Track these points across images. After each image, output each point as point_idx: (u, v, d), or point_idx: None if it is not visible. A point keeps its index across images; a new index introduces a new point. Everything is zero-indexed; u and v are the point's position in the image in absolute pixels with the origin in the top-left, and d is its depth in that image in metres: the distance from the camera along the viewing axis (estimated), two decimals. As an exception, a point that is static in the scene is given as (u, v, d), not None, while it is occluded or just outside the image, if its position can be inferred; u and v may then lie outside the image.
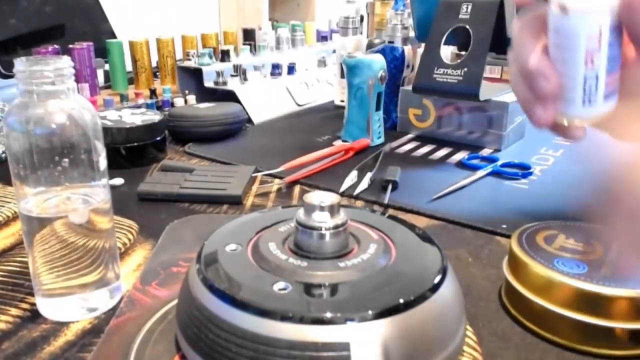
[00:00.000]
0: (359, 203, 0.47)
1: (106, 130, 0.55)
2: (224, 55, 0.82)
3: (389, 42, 0.69)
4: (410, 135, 0.67)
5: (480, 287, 0.34)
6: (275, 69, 0.84)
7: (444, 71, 0.60)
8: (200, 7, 1.60)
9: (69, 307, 0.30)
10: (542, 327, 0.29)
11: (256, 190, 0.50)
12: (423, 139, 0.65)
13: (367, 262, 0.26)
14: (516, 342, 0.29)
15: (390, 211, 0.45)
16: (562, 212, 0.40)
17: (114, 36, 0.93)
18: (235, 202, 0.47)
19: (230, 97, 0.74)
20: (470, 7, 0.61)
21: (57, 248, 0.29)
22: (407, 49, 0.69)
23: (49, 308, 0.31)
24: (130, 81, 0.81)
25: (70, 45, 0.71)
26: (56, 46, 0.68)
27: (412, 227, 0.30)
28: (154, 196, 0.47)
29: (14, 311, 0.31)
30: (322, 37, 1.08)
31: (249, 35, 0.98)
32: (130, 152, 0.56)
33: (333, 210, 0.27)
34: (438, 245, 0.28)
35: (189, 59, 0.82)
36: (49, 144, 0.28)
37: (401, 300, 0.23)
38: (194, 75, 0.79)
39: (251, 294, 0.23)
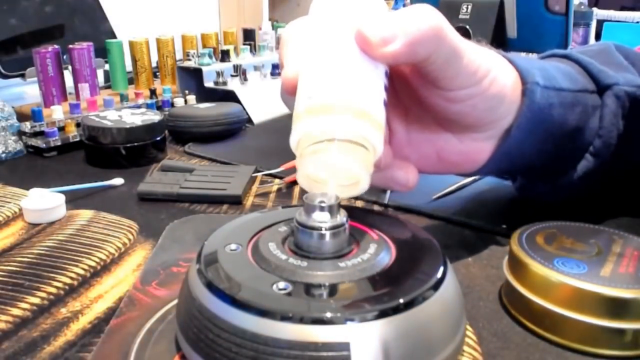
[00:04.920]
0: (359, 203, 0.47)
1: (106, 130, 0.55)
2: (224, 55, 0.82)
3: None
4: (410, 135, 0.67)
5: (480, 287, 0.34)
6: (275, 69, 0.84)
7: (444, 71, 0.60)
8: (200, 7, 1.60)
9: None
10: (542, 327, 0.29)
11: (256, 190, 0.50)
12: (423, 139, 0.65)
13: (367, 262, 0.26)
14: (516, 342, 0.29)
15: (390, 211, 0.45)
16: (562, 212, 0.39)
17: (114, 36, 0.93)
18: (235, 202, 0.47)
19: (230, 97, 0.74)
20: (470, 7, 0.61)
21: None
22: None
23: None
24: (130, 81, 0.81)
25: (70, 45, 0.71)
26: (56, 46, 0.67)
27: (412, 227, 0.30)
28: (154, 196, 0.47)
29: (14, 311, 0.31)
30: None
31: (249, 35, 0.98)
32: (130, 152, 0.56)
33: (333, 210, 0.27)
34: (438, 245, 0.28)
35: (189, 59, 0.81)
36: None
37: (401, 300, 0.23)
38: (194, 75, 0.79)
39: (251, 294, 0.23)
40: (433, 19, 0.28)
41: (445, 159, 0.36)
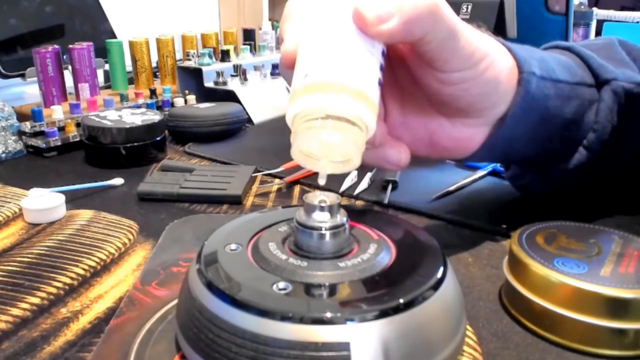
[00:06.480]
0: (359, 203, 0.47)
1: (106, 130, 0.55)
2: (224, 55, 0.82)
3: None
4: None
5: (480, 287, 0.34)
6: (275, 69, 0.84)
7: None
8: (200, 7, 1.60)
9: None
10: (542, 327, 0.29)
11: (256, 190, 0.50)
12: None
13: (367, 262, 0.26)
14: (516, 342, 0.29)
15: (390, 211, 0.45)
16: (562, 212, 0.39)
17: (114, 36, 0.93)
18: (235, 202, 0.47)
19: (230, 97, 0.74)
20: (470, 7, 0.61)
21: None
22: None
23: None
24: (130, 81, 0.81)
25: (70, 45, 0.71)
26: (56, 46, 0.67)
27: (412, 227, 0.30)
28: (154, 196, 0.47)
29: (14, 311, 0.31)
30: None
31: (249, 35, 0.98)
32: (130, 152, 0.56)
33: (333, 210, 0.27)
34: (438, 245, 0.28)
35: (189, 59, 0.81)
36: None
37: (401, 300, 0.23)
38: (194, 75, 0.79)
39: (251, 294, 0.23)
40: None
41: (437, 142, 0.36)
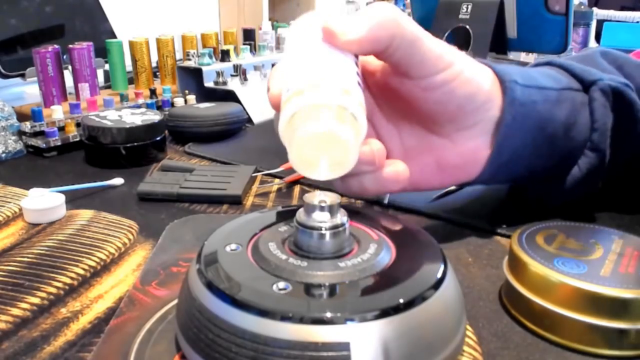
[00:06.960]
0: (359, 203, 0.47)
1: (106, 130, 0.55)
2: (224, 55, 0.82)
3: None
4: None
5: (480, 287, 0.34)
6: (276, 69, 0.84)
7: (444, 71, 0.60)
8: (200, 7, 1.60)
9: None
10: (542, 327, 0.29)
11: (256, 190, 0.50)
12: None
13: (367, 262, 0.26)
14: (516, 342, 0.29)
15: (390, 211, 0.45)
16: (562, 212, 0.39)
17: (114, 36, 0.93)
18: (235, 202, 0.47)
19: (230, 97, 0.74)
20: (470, 7, 0.61)
21: None
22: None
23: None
24: (130, 81, 0.81)
25: (70, 45, 0.71)
26: (56, 46, 0.67)
27: (412, 227, 0.30)
28: (154, 196, 0.47)
29: (14, 311, 0.31)
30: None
31: (249, 35, 0.98)
32: (130, 152, 0.56)
33: (333, 210, 0.27)
34: (438, 245, 0.28)
35: (189, 59, 0.81)
36: None
37: (401, 300, 0.23)
38: (194, 75, 0.79)
39: (251, 294, 0.23)
40: (390, 10, 0.31)
41: (444, 165, 0.36)
